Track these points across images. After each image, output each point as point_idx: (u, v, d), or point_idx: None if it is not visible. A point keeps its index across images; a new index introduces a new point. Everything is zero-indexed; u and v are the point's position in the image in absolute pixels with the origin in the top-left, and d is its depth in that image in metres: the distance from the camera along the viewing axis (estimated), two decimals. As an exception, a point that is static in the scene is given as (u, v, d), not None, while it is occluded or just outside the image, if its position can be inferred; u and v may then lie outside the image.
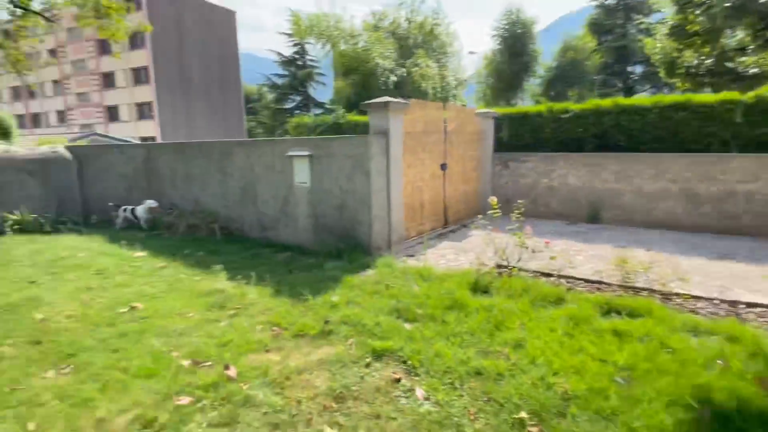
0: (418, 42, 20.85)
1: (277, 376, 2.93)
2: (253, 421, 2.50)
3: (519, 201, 5.27)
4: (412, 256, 5.98)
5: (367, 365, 3.06)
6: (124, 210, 8.21)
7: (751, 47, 11.19)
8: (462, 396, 2.72)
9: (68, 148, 9.57)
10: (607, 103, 8.27)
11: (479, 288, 4.37)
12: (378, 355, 3.18)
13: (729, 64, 12.10)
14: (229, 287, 4.61)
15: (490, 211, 4.83)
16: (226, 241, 7.00)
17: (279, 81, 40.98)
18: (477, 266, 4.85)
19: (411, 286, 4.52)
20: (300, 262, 5.74)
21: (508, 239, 4.76)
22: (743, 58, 11.85)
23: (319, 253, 6.00)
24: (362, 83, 18.69)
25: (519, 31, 26.55)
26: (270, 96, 42.87)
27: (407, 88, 18.42)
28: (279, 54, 40.21)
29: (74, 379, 2.96)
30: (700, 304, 4.06)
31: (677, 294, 4.21)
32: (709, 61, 12.26)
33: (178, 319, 3.86)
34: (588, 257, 5.73)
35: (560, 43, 29.52)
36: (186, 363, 3.09)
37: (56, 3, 6.92)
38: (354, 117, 11.96)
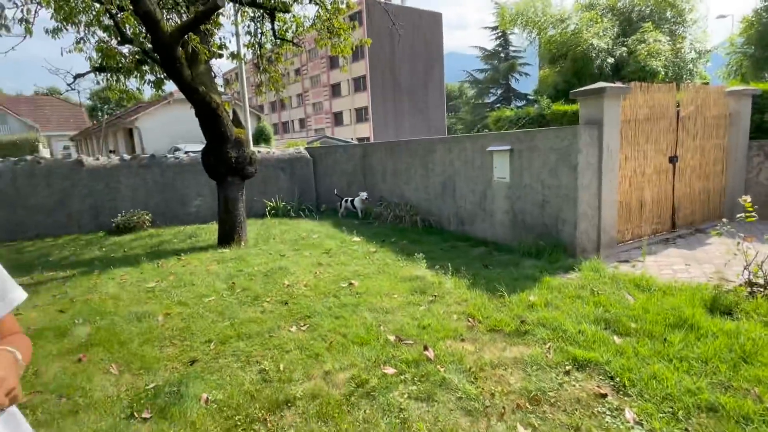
0: (644, 14, 17.88)
1: (471, 365, 3.02)
2: (447, 402, 2.66)
3: (789, 202, 4.05)
4: (625, 262, 5.28)
5: (567, 373, 2.88)
6: (345, 201, 9.63)
7: None
8: (687, 431, 2.30)
9: (306, 149, 11.74)
10: None
11: (719, 308, 3.57)
12: (579, 364, 2.95)
13: None
14: (428, 275, 4.95)
15: (740, 215, 3.87)
16: (426, 232, 7.49)
17: (480, 76, 41.10)
18: (717, 281, 3.95)
19: (623, 295, 4.01)
20: (495, 257, 5.73)
21: (768, 251, 3.72)
22: None
23: (515, 250, 5.87)
24: (572, 69, 17.13)
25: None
26: (470, 92, 43.42)
27: (628, 70, 16.03)
28: (481, 49, 40.34)
29: (309, 335, 3.67)
30: None
31: None
32: None
33: (386, 299, 4.36)
34: None
35: None
36: (392, 338, 3.47)
37: (302, 31, 8.49)
38: (560, 107, 11.13)
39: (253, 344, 3.55)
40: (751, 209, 3.79)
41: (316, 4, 8.02)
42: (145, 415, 2.69)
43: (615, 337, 3.26)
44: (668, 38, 16.90)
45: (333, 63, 47.50)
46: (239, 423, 2.58)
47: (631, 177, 5.91)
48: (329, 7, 8.00)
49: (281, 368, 3.15)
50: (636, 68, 15.92)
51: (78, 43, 7.37)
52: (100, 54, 7.29)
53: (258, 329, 3.82)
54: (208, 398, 2.82)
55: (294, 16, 8.23)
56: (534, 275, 4.75)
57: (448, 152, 7.41)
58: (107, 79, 7.84)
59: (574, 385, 2.75)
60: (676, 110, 6.25)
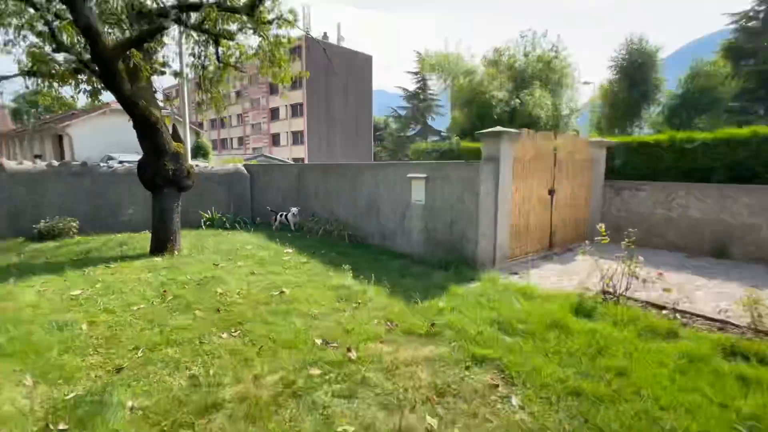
0: (535, 72, 19.94)
1: (388, 364, 3.07)
2: (367, 398, 2.66)
3: (630, 230, 4.69)
4: (515, 274, 5.72)
5: (467, 368, 3.03)
6: (279, 215, 9.33)
7: None
8: (557, 412, 2.54)
9: (245, 166, 11.24)
10: (744, 132, 6.92)
11: (582, 312, 4.01)
12: (478, 360, 3.13)
13: None
14: (353, 284, 4.95)
15: (597, 238, 4.41)
16: (353, 246, 7.50)
17: (402, 112, 42.61)
18: (581, 290, 4.44)
19: (513, 302, 4.34)
20: (412, 269, 5.89)
21: (617, 267, 4.27)
22: None
23: (428, 262, 6.09)
24: (477, 113, 18.52)
25: (639, 61, 23.57)
26: (394, 125, 44.77)
27: (520, 117, 17.70)
28: (404, 89, 41.98)
29: (240, 341, 3.48)
30: None
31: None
32: None
33: (314, 306, 4.27)
34: (711, 294, 4.83)
35: (687, 69, 25.32)
36: (318, 341, 3.41)
37: (245, 58, 8.19)
38: (467, 144, 11.89)
39: (183, 351, 3.28)
40: (604, 234, 4.35)
41: (260, 36, 7.83)
42: (62, 426, 2.35)
43: (506, 337, 3.50)
44: (551, 96, 18.99)
45: (273, 89, 46.26)
46: (165, 428, 2.36)
47: (520, 205, 6.46)
48: (272, 39, 7.84)
49: (211, 373, 2.94)
50: (526, 116, 17.62)
51: (6, 45, 6.43)
52: (30, 58, 6.42)
53: (189, 336, 3.53)
54: (133, 405, 2.55)
55: (237, 44, 7.94)
56: (443, 285, 4.95)
57: (374, 177, 7.54)
58: (38, 84, 6.91)
59: (473, 378, 2.90)
60: (554, 153, 7.00)
